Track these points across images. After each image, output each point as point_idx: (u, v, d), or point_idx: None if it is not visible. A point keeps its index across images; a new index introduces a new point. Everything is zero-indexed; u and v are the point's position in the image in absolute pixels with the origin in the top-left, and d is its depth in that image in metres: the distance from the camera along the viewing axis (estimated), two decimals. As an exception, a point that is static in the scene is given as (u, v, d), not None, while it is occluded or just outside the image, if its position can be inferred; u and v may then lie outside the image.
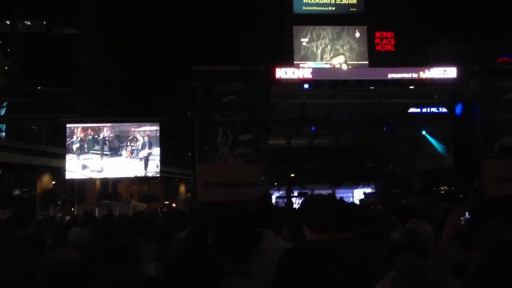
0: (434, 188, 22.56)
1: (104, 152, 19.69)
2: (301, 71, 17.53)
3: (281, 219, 4.49)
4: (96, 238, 4.13)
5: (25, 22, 34.78)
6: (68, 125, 20.20)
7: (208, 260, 2.15)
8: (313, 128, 21.03)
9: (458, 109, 17.94)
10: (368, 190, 25.55)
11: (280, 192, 24.77)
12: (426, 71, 17.28)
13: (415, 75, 17.24)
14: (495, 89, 16.57)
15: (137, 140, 19.91)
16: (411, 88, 17.63)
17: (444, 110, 19.21)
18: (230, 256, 2.28)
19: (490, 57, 19.88)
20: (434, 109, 19.70)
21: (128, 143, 19.86)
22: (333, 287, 1.72)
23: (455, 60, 18.12)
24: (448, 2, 24.66)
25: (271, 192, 21.69)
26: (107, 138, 19.80)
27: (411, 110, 19.81)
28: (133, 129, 20.14)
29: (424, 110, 19.87)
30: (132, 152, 19.85)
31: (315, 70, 17.94)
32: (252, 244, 2.32)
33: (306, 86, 17.18)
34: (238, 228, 2.33)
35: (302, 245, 2.77)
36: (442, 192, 22.37)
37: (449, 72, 17.22)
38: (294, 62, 19.30)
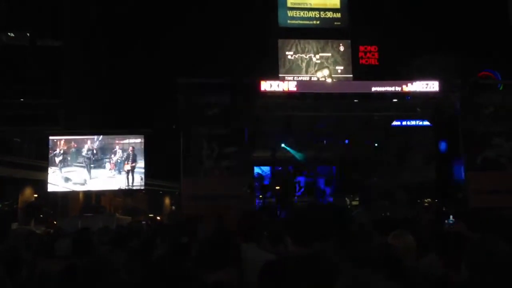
0: (418, 201, 22.72)
1: (87, 165, 19.50)
2: (286, 84, 17.63)
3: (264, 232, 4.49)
4: (76, 252, 4.07)
5: (8, 33, 34.49)
6: (51, 138, 19.98)
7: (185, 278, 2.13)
8: (299, 140, 21.12)
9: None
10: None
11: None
12: (409, 84, 17.49)
13: (398, 89, 17.45)
14: (476, 102, 16.82)
15: (121, 152, 19.76)
16: (394, 101, 17.84)
17: (427, 123, 19.45)
18: (212, 268, 2.26)
19: (471, 71, 20.23)
20: (417, 122, 19.94)
21: (112, 156, 19.69)
22: None
23: (438, 74, 18.40)
24: (430, 17, 25.07)
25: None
26: (90, 151, 19.62)
27: (394, 123, 20.02)
28: (117, 142, 19.99)
29: (407, 123, 20.10)
30: (115, 165, 19.68)
31: (299, 83, 18.06)
32: (234, 255, 2.31)
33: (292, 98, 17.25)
34: (219, 239, 2.31)
35: (282, 258, 2.78)
36: (425, 204, 22.53)
37: (432, 86, 17.46)
38: (279, 75, 19.41)
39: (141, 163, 19.80)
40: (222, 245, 2.39)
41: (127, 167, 19.72)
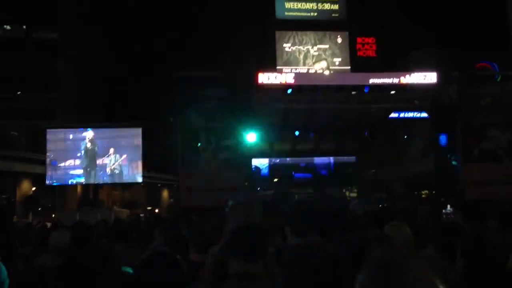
0: (415, 193, 22.78)
1: (85, 158, 19.47)
2: (284, 76, 17.60)
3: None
4: (74, 245, 4.09)
5: (4, 26, 34.36)
6: (48, 131, 19.94)
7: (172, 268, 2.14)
8: (297, 133, 21.15)
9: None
10: None
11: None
12: (407, 76, 17.48)
13: (396, 80, 17.44)
14: (474, 94, 16.81)
15: (119, 145, 19.72)
16: (392, 93, 17.83)
17: (425, 115, 19.45)
18: (237, 257, 2.26)
19: (469, 63, 20.22)
20: (414, 114, 19.94)
21: (110, 149, 19.66)
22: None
23: (435, 66, 18.38)
24: (428, 9, 25.02)
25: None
26: (88, 144, 19.58)
27: (392, 115, 20.02)
28: (115, 134, 19.95)
29: (404, 115, 20.10)
30: (113, 158, 19.66)
31: (297, 75, 18.04)
32: (262, 244, 2.31)
33: (289, 91, 17.27)
34: (247, 227, 2.31)
35: (280, 249, 2.81)
36: (423, 196, 22.60)
37: (429, 78, 17.45)
38: (277, 67, 19.39)
39: (139, 156, 19.78)
40: (259, 237, 2.39)
41: (125, 159, 19.70)
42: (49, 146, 19.55)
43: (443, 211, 11.64)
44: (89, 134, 19.72)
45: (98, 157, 19.59)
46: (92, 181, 20.15)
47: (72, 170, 19.51)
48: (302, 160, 26.74)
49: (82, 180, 19.93)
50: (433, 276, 1.14)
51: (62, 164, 19.43)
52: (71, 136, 19.80)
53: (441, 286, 1.15)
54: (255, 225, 2.39)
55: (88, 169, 19.52)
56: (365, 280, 1.17)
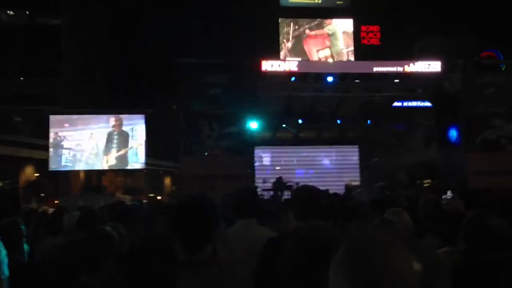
0: (418, 182, 22.77)
1: (88, 144, 19.51)
2: (287, 64, 17.56)
3: (266, 210, 4.54)
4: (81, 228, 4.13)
5: (7, 12, 34.27)
6: (51, 116, 19.97)
7: (160, 251, 2.14)
8: (300, 121, 21.15)
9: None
10: None
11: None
12: (411, 64, 17.41)
13: (400, 69, 17.37)
14: (478, 83, 16.73)
15: (121, 132, 19.75)
16: (396, 82, 17.78)
17: (428, 104, 19.40)
18: (185, 246, 2.26)
19: (473, 51, 20.10)
20: (418, 103, 19.89)
21: (113, 135, 19.70)
22: (296, 271, 1.75)
23: (440, 54, 18.29)
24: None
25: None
26: (91, 130, 19.61)
27: (395, 104, 19.98)
28: (117, 121, 19.96)
29: (408, 103, 20.06)
30: (116, 144, 19.69)
31: (301, 63, 17.98)
32: (208, 232, 2.29)
33: (293, 78, 17.26)
34: (192, 216, 2.29)
35: (283, 233, 2.83)
36: (425, 185, 22.59)
37: (433, 66, 17.38)
38: (280, 55, 19.32)
39: (142, 143, 19.81)
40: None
41: (128, 146, 19.74)
42: (52, 131, 19.59)
43: (443, 197, 11.64)
44: (92, 120, 19.76)
45: (101, 143, 19.63)
46: (95, 167, 20.23)
47: (75, 155, 19.56)
48: (304, 149, 26.74)
49: (85, 166, 20.00)
50: (409, 251, 1.08)
51: (65, 150, 19.48)
52: (74, 122, 19.83)
53: (416, 264, 1.08)
54: (200, 207, 2.34)
55: (91, 155, 19.58)
56: (341, 257, 1.12)
